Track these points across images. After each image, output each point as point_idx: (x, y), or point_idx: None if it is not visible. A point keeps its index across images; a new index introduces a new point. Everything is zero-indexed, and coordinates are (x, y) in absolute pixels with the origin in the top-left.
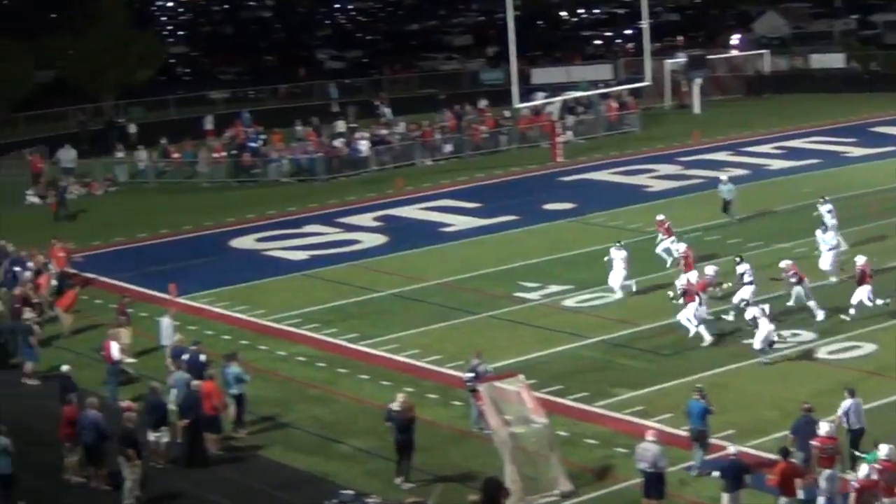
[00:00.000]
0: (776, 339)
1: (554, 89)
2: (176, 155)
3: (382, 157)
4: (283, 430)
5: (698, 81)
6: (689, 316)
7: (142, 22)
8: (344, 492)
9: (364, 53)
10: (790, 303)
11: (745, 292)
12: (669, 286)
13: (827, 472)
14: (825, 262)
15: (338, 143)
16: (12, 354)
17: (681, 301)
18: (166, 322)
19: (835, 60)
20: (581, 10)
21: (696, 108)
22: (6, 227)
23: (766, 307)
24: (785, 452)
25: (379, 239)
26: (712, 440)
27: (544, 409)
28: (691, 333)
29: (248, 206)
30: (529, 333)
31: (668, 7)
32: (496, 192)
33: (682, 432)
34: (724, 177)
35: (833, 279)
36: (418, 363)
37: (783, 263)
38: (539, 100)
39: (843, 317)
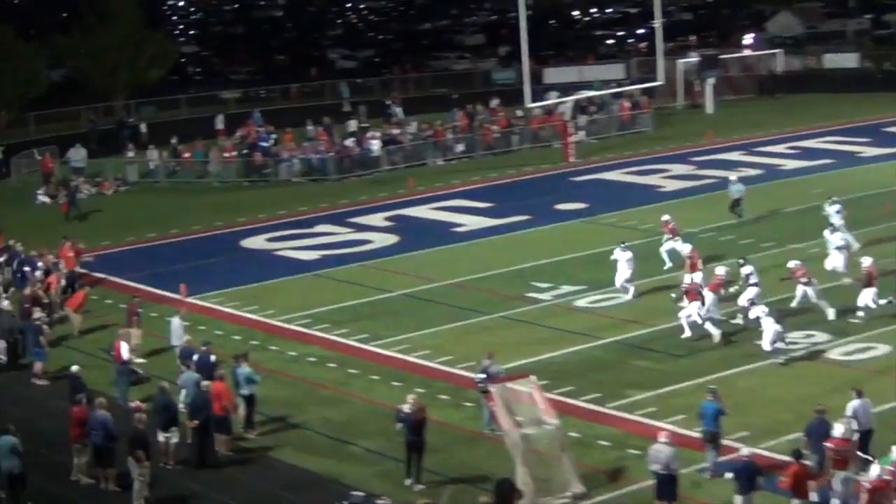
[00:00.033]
0: (784, 338)
1: (566, 89)
2: (187, 155)
3: (394, 157)
4: (294, 431)
5: (711, 81)
6: (693, 315)
7: (153, 21)
8: (355, 493)
9: (376, 53)
10: (794, 304)
11: (750, 293)
12: (676, 287)
13: (841, 474)
14: (833, 262)
15: (349, 142)
16: (22, 354)
17: (683, 302)
18: (177, 322)
19: (848, 60)
20: (594, 10)
21: (709, 108)
22: (17, 226)
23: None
24: (797, 454)
25: (390, 239)
26: (725, 441)
27: (556, 411)
28: (686, 334)
29: (259, 205)
30: (541, 334)
31: (680, 6)
32: (508, 192)
33: (695, 434)
34: (733, 176)
35: (847, 280)
36: (430, 364)
37: (791, 264)
38: (551, 99)
39: (852, 319)
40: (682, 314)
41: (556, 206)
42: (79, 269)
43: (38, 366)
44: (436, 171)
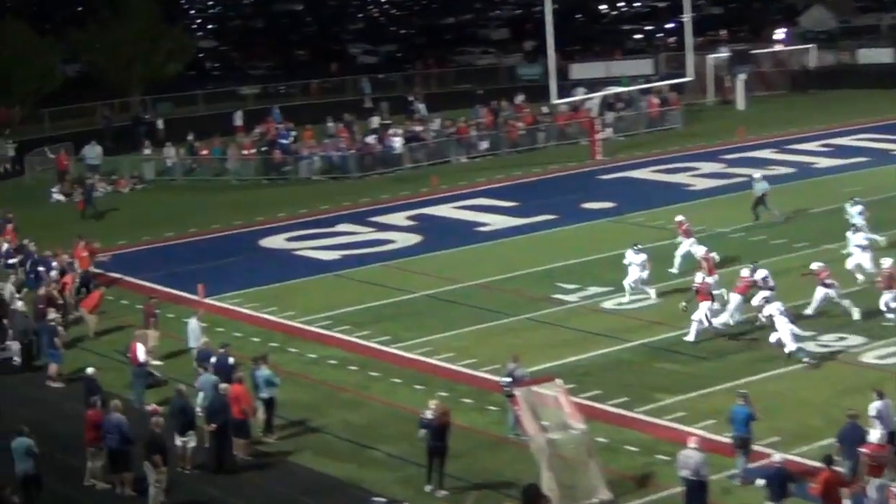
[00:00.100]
0: (803, 339)
1: (593, 85)
2: (204, 152)
3: (416, 155)
4: (314, 435)
5: (742, 77)
6: (701, 316)
7: (170, 15)
8: (376, 499)
9: (398, 48)
10: (811, 309)
11: (765, 293)
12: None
13: (876, 481)
14: (856, 262)
15: (371, 139)
16: (36, 356)
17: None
18: (194, 324)
19: (883, 55)
20: (621, 4)
21: (740, 105)
22: (31, 225)
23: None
24: (829, 460)
25: (413, 238)
26: (756, 447)
27: (583, 415)
28: (690, 336)
29: (279, 204)
30: (567, 336)
31: (711, 0)
32: (533, 191)
33: (726, 439)
34: (757, 174)
35: (860, 278)
36: (453, 367)
37: (814, 265)
38: (578, 95)
39: (886, 322)
40: (694, 316)
41: (582, 205)
42: (93, 270)
43: (52, 367)
44: (459, 169)
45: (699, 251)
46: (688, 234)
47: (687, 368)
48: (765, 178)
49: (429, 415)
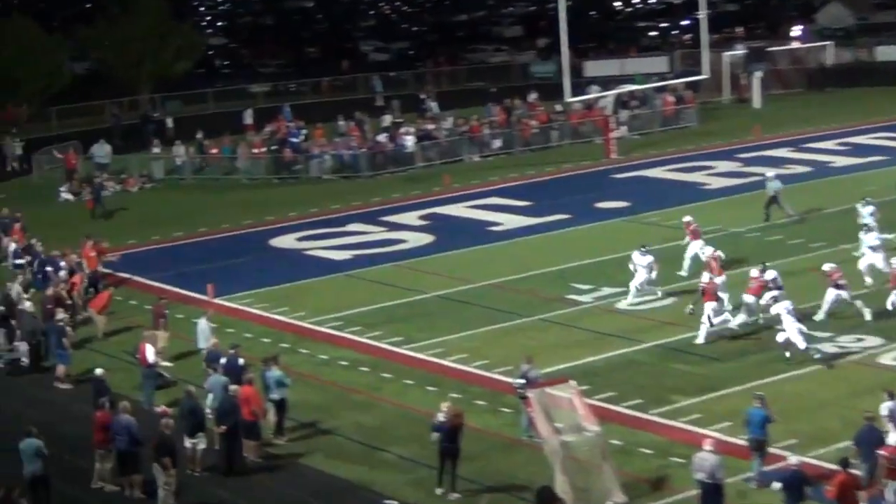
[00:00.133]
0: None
1: (607, 82)
2: (214, 150)
3: (429, 153)
4: (325, 436)
5: (758, 74)
6: (708, 315)
7: (179, 12)
8: (387, 502)
9: (410, 45)
10: (822, 314)
11: (774, 292)
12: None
13: (894, 484)
14: (871, 262)
15: (382, 138)
16: (44, 357)
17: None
18: (203, 324)
19: None
20: (636, 0)
21: (756, 103)
22: (39, 224)
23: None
24: (845, 463)
25: (425, 238)
26: (772, 449)
27: (597, 417)
28: (700, 339)
29: (289, 203)
30: (581, 337)
31: None
32: (547, 190)
33: (742, 441)
34: (770, 173)
35: (869, 281)
36: (465, 368)
37: (826, 267)
38: (592, 93)
39: None
40: (703, 319)
41: (596, 204)
42: (101, 270)
43: (60, 368)
44: (472, 168)
45: (706, 251)
46: (695, 235)
47: (702, 370)
48: (778, 176)
49: (441, 417)
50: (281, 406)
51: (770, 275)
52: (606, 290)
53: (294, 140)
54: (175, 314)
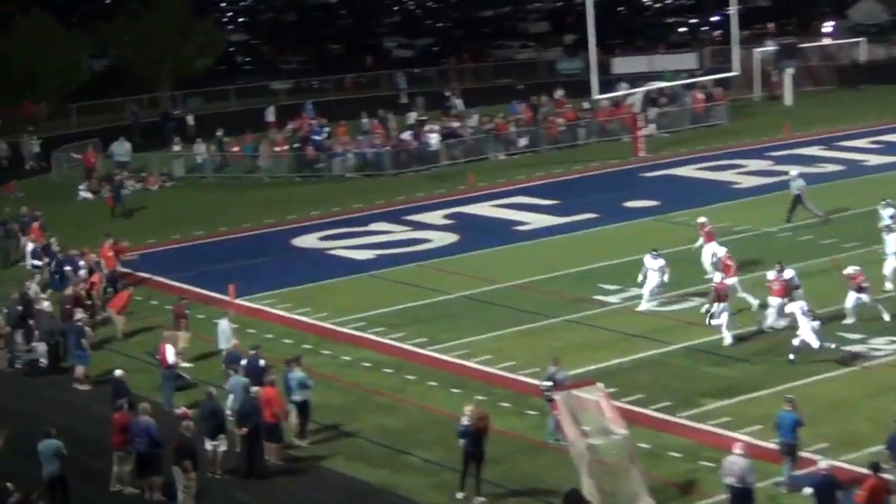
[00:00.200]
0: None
1: (636, 79)
2: (235, 148)
3: (453, 152)
4: (347, 439)
5: (790, 71)
6: (710, 314)
7: (201, 8)
8: None
9: (434, 41)
10: (849, 318)
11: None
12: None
13: None
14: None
15: (406, 136)
16: (63, 357)
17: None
18: (224, 325)
19: None
20: None
21: (788, 100)
22: (58, 223)
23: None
24: (875, 467)
25: (449, 238)
26: (803, 454)
27: (624, 420)
28: (727, 341)
29: (312, 202)
30: (608, 338)
31: None
32: (574, 189)
33: (772, 445)
34: (794, 171)
35: (889, 286)
36: (490, 370)
37: (850, 269)
38: (620, 91)
39: None
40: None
41: (624, 203)
42: (120, 269)
43: (79, 369)
44: (497, 167)
45: (720, 252)
46: (710, 237)
47: (732, 372)
48: (801, 175)
49: (465, 421)
50: (304, 408)
51: (788, 274)
52: (634, 291)
53: (317, 138)
54: (196, 314)
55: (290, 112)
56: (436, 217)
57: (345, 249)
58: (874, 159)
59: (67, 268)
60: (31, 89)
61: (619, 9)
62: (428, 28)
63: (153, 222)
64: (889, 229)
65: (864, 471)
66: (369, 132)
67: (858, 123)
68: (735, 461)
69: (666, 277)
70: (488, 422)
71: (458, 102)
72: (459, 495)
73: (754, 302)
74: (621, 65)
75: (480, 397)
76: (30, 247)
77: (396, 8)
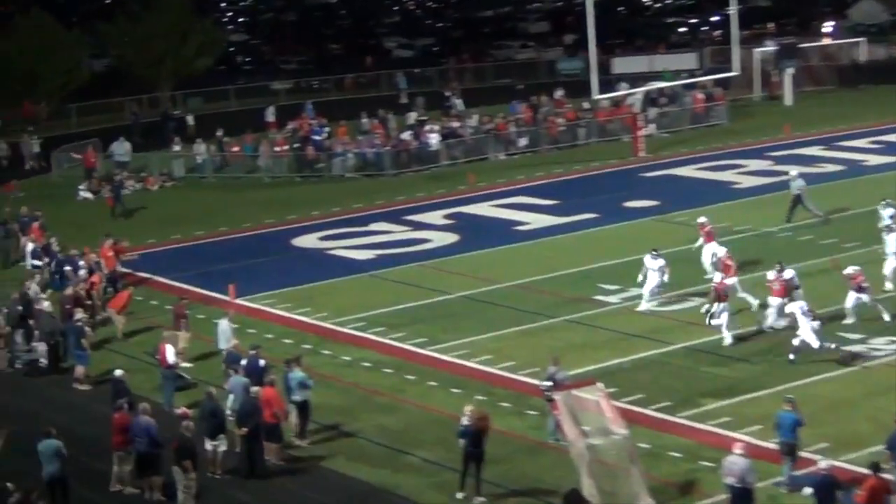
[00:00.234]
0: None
1: (636, 79)
2: (235, 148)
3: (453, 152)
4: (347, 439)
5: (790, 71)
6: (717, 317)
7: (200, 8)
8: None
9: (434, 41)
10: (850, 318)
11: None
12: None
13: None
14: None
15: (406, 136)
16: (63, 357)
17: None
18: (224, 325)
19: None
20: None
21: (788, 100)
22: (58, 223)
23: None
24: (875, 467)
25: (449, 238)
26: (803, 453)
27: (624, 420)
28: (727, 341)
29: (312, 202)
30: (608, 338)
31: None
32: (574, 189)
33: (772, 445)
34: (793, 171)
35: (889, 286)
36: (490, 370)
37: (850, 269)
38: (620, 91)
39: None
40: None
41: (624, 203)
42: (120, 269)
43: (79, 369)
44: (497, 167)
45: (720, 252)
46: (710, 237)
47: (732, 372)
48: (801, 175)
49: (465, 421)
50: (304, 408)
51: (788, 273)
52: (634, 291)
53: (317, 138)
54: (196, 315)
55: (290, 112)
56: (436, 217)
57: (345, 249)
58: (874, 159)
59: (67, 268)
60: (31, 89)
61: (619, 9)
62: (428, 28)
63: (153, 222)
64: (889, 229)
65: (864, 471)
66: (369, 132)
67: (858, 123)
68: (735, 461)
69: (666, 277)
70: (488, 422)
71: (458, 102)
72: (459, 495)
73: (754, 302)
74: (621, 65)
75: (480, 397)
76: (30, 247)
77: (396, 8)
